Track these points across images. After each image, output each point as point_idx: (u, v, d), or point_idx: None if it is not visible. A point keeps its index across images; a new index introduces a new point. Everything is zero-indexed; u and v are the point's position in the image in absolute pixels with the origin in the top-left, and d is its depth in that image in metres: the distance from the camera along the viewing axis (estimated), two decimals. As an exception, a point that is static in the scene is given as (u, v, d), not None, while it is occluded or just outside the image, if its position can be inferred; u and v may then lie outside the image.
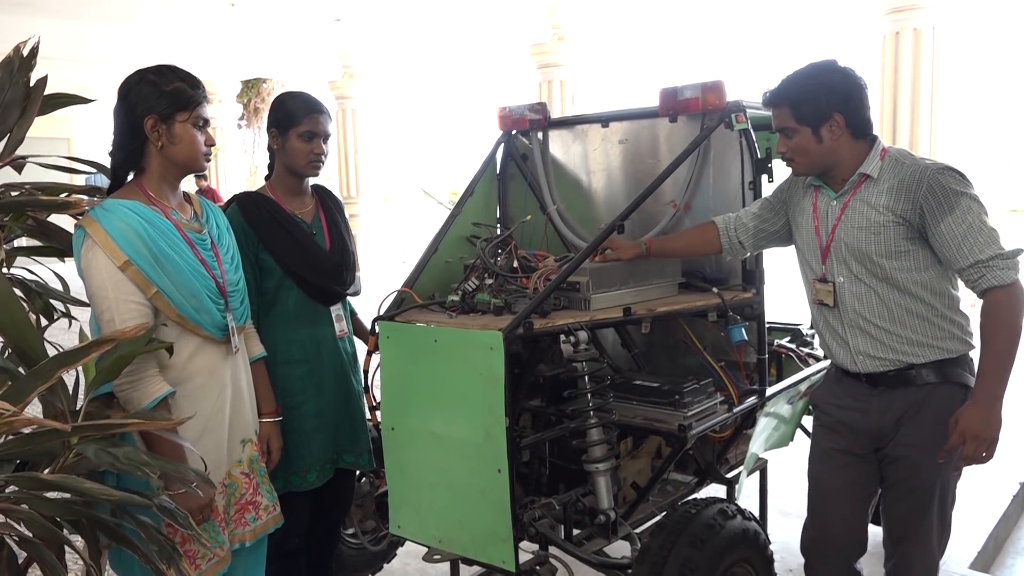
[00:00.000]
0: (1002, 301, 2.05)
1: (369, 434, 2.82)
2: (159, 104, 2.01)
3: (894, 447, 2.27)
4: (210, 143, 2.11)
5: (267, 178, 2.68)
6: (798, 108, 2.18)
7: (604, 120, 3.14)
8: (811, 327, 2.52)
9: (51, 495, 1.50)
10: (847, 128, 2.19)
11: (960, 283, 2.23)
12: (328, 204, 2.74)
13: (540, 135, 3.27)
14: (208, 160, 2.13)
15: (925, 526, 2.28)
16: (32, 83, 1.95)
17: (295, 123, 2.53)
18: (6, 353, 1.83)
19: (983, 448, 2.07)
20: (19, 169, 2.11)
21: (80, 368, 1.73)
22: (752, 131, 2.73)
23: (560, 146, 3.30)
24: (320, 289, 2.59)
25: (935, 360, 2.20)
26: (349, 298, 2.86)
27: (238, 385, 2.21)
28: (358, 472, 3.01)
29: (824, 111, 2.16)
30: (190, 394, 2.05)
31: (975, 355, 2.23)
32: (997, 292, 2.05)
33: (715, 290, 2.73)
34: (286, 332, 2.55)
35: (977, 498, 3.91)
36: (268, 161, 2.69)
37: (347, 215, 2.84)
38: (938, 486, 2.26)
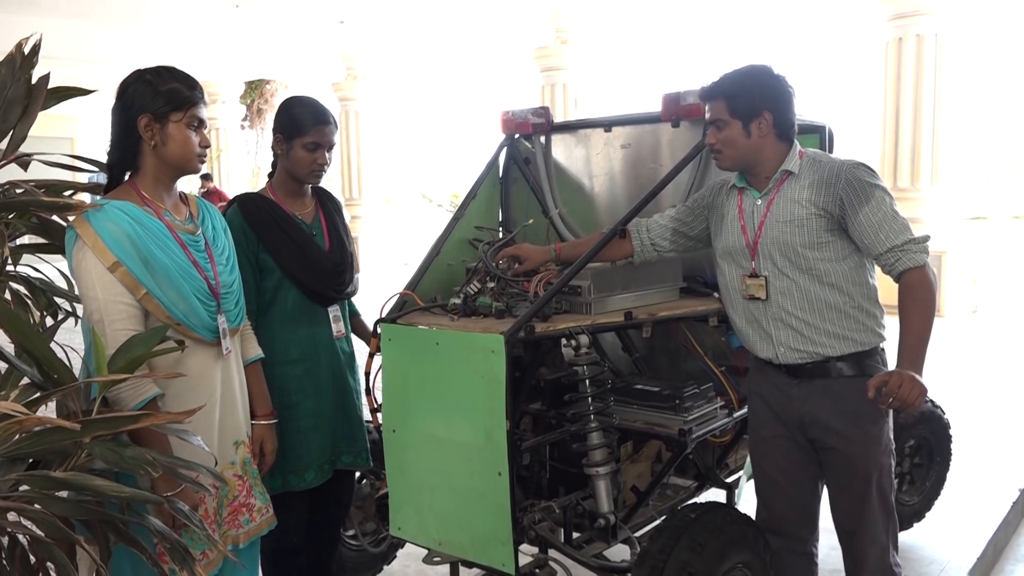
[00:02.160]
0: (917, 281, 2.21)
1: (367, 434, 2.82)
2: (154, 104, 2.01)
3: (824, 442, 2.38)
4: (205, 144, 2.10)
5: (269, 177, 2.70)
6: (733, 101, 2.29)
7: (607, 125, 3.14)
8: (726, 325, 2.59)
9: (63, 495, 1.51)
10: (774, 127, 2.30)
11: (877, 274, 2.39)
12: (327, 205, 2.75)
13: (543, 139, 3.28)
14: (202, 162, 2.12)
15: (869, 515, 2.40)
16: (34, 81, 1.96)
17: (301, 133, 2.53)
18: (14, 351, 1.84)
19: (916, 393, 2.13)
20: (24, 166, 2.12)
21: (93, 368, 1.73)
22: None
23: (563, 150, 3.30)
24: (319, 290, 2.59)
25: (850, 353, 2.32)
26: (351, 299, 2.87)
27: (230, 387, 2.21)
28: (358, 473, 3.02)
29: (756, 107, 2.29)
30: (179, 395, 2.04)
31: (886, 346, 2.40)
32: (912, 273, 2.22)
33: (716, 295, 2.73)
34: (283, 332, 2.56)
35: (976, 504, 3.92)
36: (271, 162, 2.70)
37: (349, 216, 2.86)
38: (874, 474, 2.37)
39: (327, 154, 2.59)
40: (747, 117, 2.28)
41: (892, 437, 2.42)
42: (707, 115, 2.37)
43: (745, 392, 2.62)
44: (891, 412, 2.36)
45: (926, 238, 2.25)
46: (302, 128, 2.53)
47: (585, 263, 2.48)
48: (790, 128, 2.33)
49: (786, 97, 2.32)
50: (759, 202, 2.38)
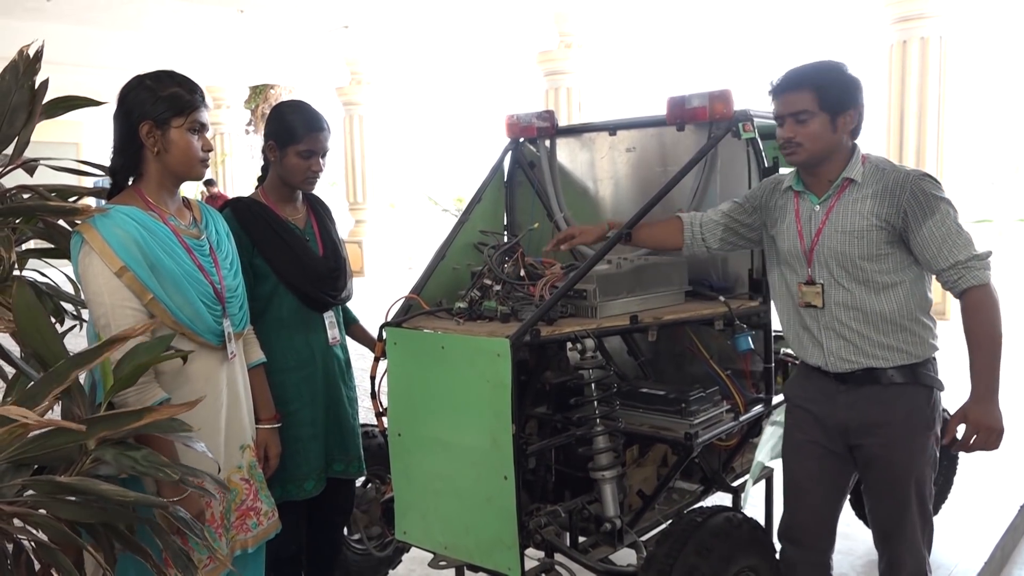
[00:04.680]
0: (983, 300, 2.14)
1: (373, 438, 2.79)
2: (155, 109, 2.00)
3: (867, 448, 2.33)
4: (207, 148, 2.09)
5: (260, 181, 2.66)
6: (823, 92, 2.18)
7: (611, 128, 3.15)
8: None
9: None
10: (853, 126, 2.24)
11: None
12: (318, 210, 2.72)
13: (548, 143, 3.28)
14: (206, 167, 2.11)
15: (908, 522, 2.35)
16: (36, 86, 1.96)
17: (295, 140, 2.49)
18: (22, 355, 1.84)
19: (994, 438, 2.13)
20: (31, 172, 2.12)
21: (99, 375, 1.73)
22: (759, 140, 2.74)
23: (567, 154, 3.31)
24: (314, 295, 2.56)
25: (902, 364, 2.26)
26: (350, 306, 2.86)
27: (235, 391, 2.21)
28: (363, 478, 3.02)
29: (845, 102, 2.20)
30: (185, 399, 2.04)
31: (939, 356, 2.35)
32: (976, 291, 2.14)
33: (722, 299, 2.74)
34: (280, 339, 2.53)
35: (984, 509, 3.90)
36: (262, 166, 2.66)
37: (353, 221, 2.84)
38: (914, 482, 2.32)
39: (321, 160, 2.56)
40: (836, 110, 2.18)
41: (937, 451, 2.35)
42: (782, 107, 2.24)
43: (785, 396, 2.56)
44: (938, 424, 2.31)
45: (989, 253, 2.16)
46: (296, 135, 2.50)
47: (590, 267, 2.48)
48: (860, 128, 2.25)
49: (863, 97, 2.23)
50: (817, 208, 2.30)
